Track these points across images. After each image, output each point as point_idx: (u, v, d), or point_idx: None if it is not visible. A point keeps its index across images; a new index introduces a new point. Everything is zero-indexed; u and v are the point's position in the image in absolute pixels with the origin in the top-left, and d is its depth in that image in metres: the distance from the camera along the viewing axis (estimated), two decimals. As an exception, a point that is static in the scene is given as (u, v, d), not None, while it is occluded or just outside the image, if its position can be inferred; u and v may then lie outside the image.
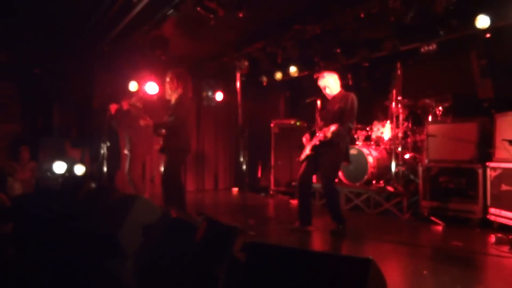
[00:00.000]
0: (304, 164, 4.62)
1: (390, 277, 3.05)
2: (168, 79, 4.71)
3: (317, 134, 4.49)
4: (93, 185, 4.69)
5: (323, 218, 4.87)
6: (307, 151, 4.57)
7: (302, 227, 4.55)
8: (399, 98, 6.05)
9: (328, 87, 4.54)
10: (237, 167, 10.06)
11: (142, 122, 4.57)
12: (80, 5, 5.58)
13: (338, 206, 4.59)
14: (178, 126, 4.55)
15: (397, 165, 5.98)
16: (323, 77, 4.58)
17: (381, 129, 6.39)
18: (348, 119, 4.38)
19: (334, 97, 4.54)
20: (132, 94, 5.97)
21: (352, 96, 4.44)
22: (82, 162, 7.26)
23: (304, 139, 4.70)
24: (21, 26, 6.26)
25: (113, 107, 5.99)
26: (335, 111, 4.42)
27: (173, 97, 4.71)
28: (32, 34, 6.56)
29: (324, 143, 4.32)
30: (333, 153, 4.41)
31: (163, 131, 4.67)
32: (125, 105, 5.63)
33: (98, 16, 5.86)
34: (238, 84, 3.90)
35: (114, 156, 6.76)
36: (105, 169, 7.54)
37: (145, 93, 7.77)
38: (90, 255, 3.31)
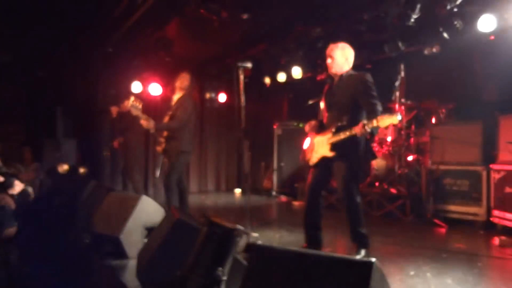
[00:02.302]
0: (313, 170, 3.61)
1: (393, 280, 3.05)
2: (179, 80, 4.76)
3: (331, 129, 3.44)
4: (96, 186, 4.70)
5: (325, 220, 4.85)
6: (321, 151, 3.50)
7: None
8: (403, 100, 6.04)
9: (333, 59, 3.53)
10: (239, 168, 10.07)
11: (143, 123, 4.57)
12: (84, 7, 5.61)
13: (361, 222, 3.42)
14: (179, 127, 4.56)
15: (400, 167, 5.96)
16: (336, 46, 3.58)
17: (384, 131, 6.38)
18: (366, 106, 3.39)
19: (343, 79, 3.53)
20: (131, 94, 5.97)
21: (368, 77, 3.47)
22: (85, 163, 7.29)
23: (307, 127, 3.69)
24: (26, 29, 6.30)
25: (114, 110, 6.02)
26: (346, 98, 3.46)
27: (175, 98, 4.75)
28: (36, 36, 6.60)
29: (346, 141, 3.32)
30: (355, 153, 3.40)
31: (165, 132, 4.69)
32: (125, 107, 5.66)
33: (102, 18, 5.89)
34: (241, 85, 3.89)
35: (117, 157, 6.78)
36: (108, 170, 7.57)
37: (148, 94, 7.81)
38: (93, 255, 3.32)
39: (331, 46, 3.58)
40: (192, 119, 4.70)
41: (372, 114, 3.24)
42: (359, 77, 3.49)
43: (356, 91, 3.42)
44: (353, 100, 3.42)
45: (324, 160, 3.48)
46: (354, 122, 3.28)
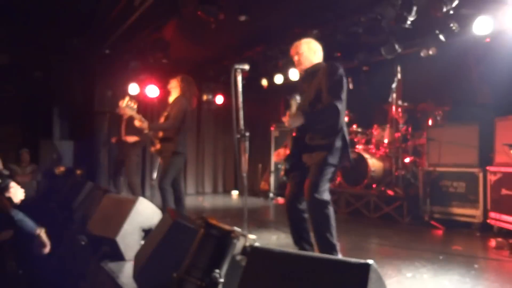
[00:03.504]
0: (291, 182, 3.23)
1: (390, 281, 3.05)
2: (173, 80, 4.75)
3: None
4: (92, 188, 4.69)
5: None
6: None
7: None
8: (399, 102, 6.06)
9: (300, 54, 3.21)
10: (236, 170, 10.07)
11: (136, 123, 4.57)
12: (82, 8, 5.61)
13: (328, 235, 2.90)
14: (172, 127, 4.53)
15: (397, 169, 5.98)
16: (301, 42, 3.30)
17: (381, 133, 6.39)
18: (333, 96, 2.90)
19: (308, 70, 3.21)
20: (127, 95, 5.93)
21: (333, 65, 3.05)
22: (82, 165, 7.26)
23: (275, 157, 3.47)
24: (23, 29, 6.28)
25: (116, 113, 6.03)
26: (314, 90, 3.02)
27: (171, 98, 4.74)
28: (33, 37, 6.59)
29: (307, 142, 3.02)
30: (321, 155, 2.93)
31: (160, 133, 4.67)
32: (120, 109, 5.65)
33: (100, 19, 5.89)
34: (238, 87, 3.89)
35: (114, 159, 6.77)
36: (104, 172, 7.55)
37: (145, 96, 7.80)
38: (90, 257, 3.31)
39: (295, 44, 3.29)
40: (186, 120, 4.68)
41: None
42: (325, 67, 3.06)
43: (321, 83, 2.98)
44: (319, 96, 2.99)
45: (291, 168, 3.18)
46: (322, 125, 3.01)
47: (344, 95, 2.97)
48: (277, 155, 3.42)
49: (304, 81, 3.29)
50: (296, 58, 3.24)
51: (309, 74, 3.20)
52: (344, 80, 3.00)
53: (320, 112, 2.99)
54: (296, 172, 3.15)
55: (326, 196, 2.93)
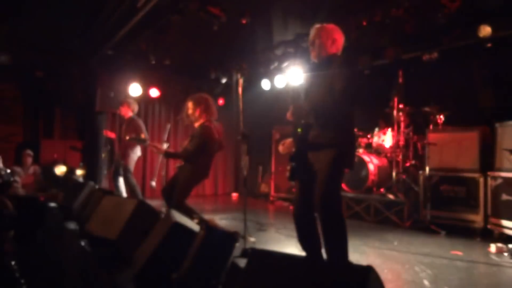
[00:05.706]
0: (298, 185, 2.89)
1: (389, 286, 3.04)
2: (188, 109, 4.50)
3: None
4: (93, 188, 4.69)
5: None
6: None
7: None
8: (401, 106, 6.06)
9: (318, 41, 2.86)
10: (237, 172, 10.07)
11: (153, 150, 4.54)
12: (84, 9, 5.62)
13: (341, 250, 2.62)
14: (194, 155, 4.32)
15: (397, 173, 5.97)
16: (321, 27, 2.94)
17: (382, 137, 6.39)
18: (346, 99, 2.64)
19: (321, 61, 2.87)
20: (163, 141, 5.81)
21: (351, 61, 2.76)
22: (82, 165, 7.27)
23: (281, 148, 3.12)
24: (25, 29, 6.30)
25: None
26: (324, 85, 2.70)
27: (197, 123, 4.52)
28: (35, 37, 6.60)
29: (312, 143, 2.75)
30: (329, 156, 2.65)
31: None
32: (125, 112, 5.65)
33: (102, 20, 5.90)
34: (239, 89, 3.90)
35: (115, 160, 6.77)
36: (105, 172, 7.55)
37: (146, 96, 7.80)
38: (89, 259, 3.30)
39: (315, 27, 2.95)
40: (211, 146, 4.39)
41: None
42: (341, 62, 2.72)
43: (334, 79, 2.63)
44: (331, 93, 2.63)
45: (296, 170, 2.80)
46: (331, 123, 2.70)
47: (357, 97, 2.71)
48: (284, 147, 3.06)
49: (315, 72, 2.94)
50: (312, 44, 2.91)
51: (322, 65, 2.85)
52: (360, 80, 2.76)
53: (326, 113, 2.73)
54: (304, 175, 2.80)
55: (339, 205, 2.70)
